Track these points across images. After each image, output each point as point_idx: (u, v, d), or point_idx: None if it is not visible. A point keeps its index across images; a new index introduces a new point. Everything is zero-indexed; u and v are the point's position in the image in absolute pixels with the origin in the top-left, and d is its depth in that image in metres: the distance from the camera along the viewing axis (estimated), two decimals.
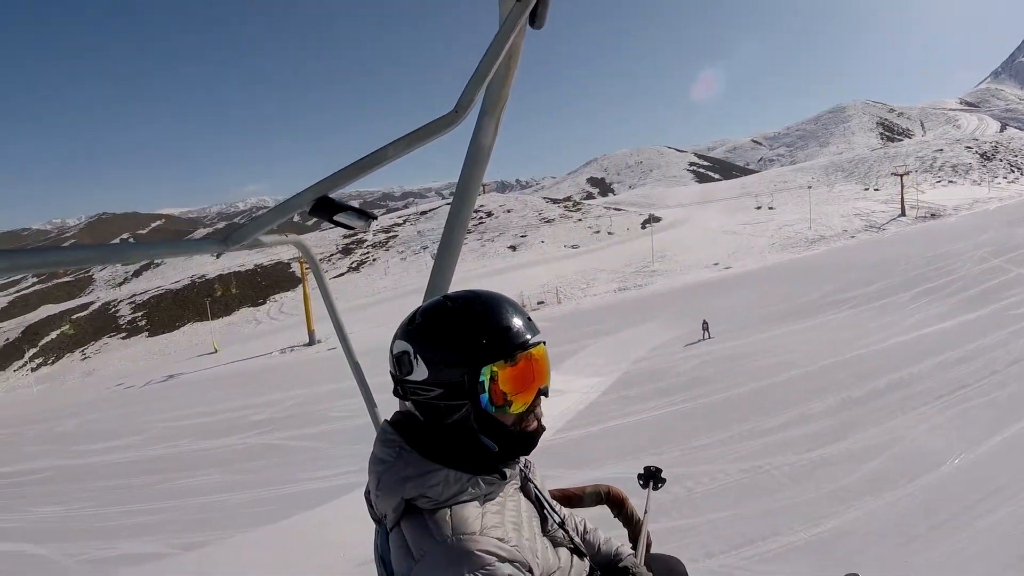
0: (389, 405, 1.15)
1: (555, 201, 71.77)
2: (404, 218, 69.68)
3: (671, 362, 14.71)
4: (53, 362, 46.37)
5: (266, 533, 7.77)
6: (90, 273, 72.48)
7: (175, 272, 64.39)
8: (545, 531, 1.05)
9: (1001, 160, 64.70)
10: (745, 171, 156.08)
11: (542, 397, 0.99)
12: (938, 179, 59.50)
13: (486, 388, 0.92)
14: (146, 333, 48.70)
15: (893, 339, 13.39)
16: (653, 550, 1.47)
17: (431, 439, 0.95)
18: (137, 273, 70.61)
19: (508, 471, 0.99)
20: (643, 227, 54.39)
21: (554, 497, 1.31)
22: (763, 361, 13.12)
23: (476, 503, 0.91)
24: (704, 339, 16.88)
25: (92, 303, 58.63)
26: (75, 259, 0.87)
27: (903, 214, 46.32)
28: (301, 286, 40.25)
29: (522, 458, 1.06)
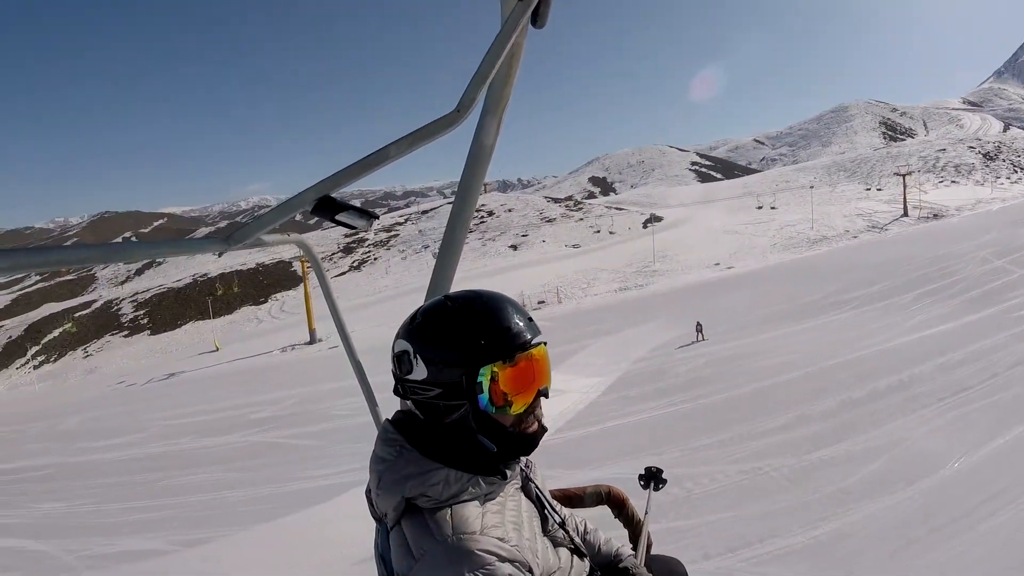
0: (390, 404, 1.15)
1: (556, 200, 71.72)
2: (405, 217, 69.70)
3: (671, 362, 14.69)
4: (55, 360, 46.49)
5: (266, 531, 7.78)
6: (92, 271, 72.62)
7: (177, 271, 64.50)
8: (546, 531, 1.05)
9: (1004, 160, 64.50)
10: (747, 171, 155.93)
11: (542, 398, 0.98)
12: (941, 179, 59.34)
13: (484, 389, 0.91)
14: (148, 331, 48.80)
15: (895, 340, 13.35)
16: (653, 551, 1.47)
17: (432, 438, 0.95)
18: (139, 272, 70.76)
19: (509, 471, 0.99)
20: (644, 227, 54.32)
21: (555, 497, 1.31)
22: (764, 361, 13.09)
23: (476, 503, 0.91)
24: (698, 341, 16.66)
25: (94, 301, 58.77)
26: (78, 258, 0.87)
27: (905, 214, 46.20)
28: (302, 285, 40.28)
29: (523, 458, 1.06)
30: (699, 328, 17.08)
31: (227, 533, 8.01)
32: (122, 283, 68.27)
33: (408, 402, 0.99)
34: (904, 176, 50.59)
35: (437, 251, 1.39)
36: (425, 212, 69.93)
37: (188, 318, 49.48)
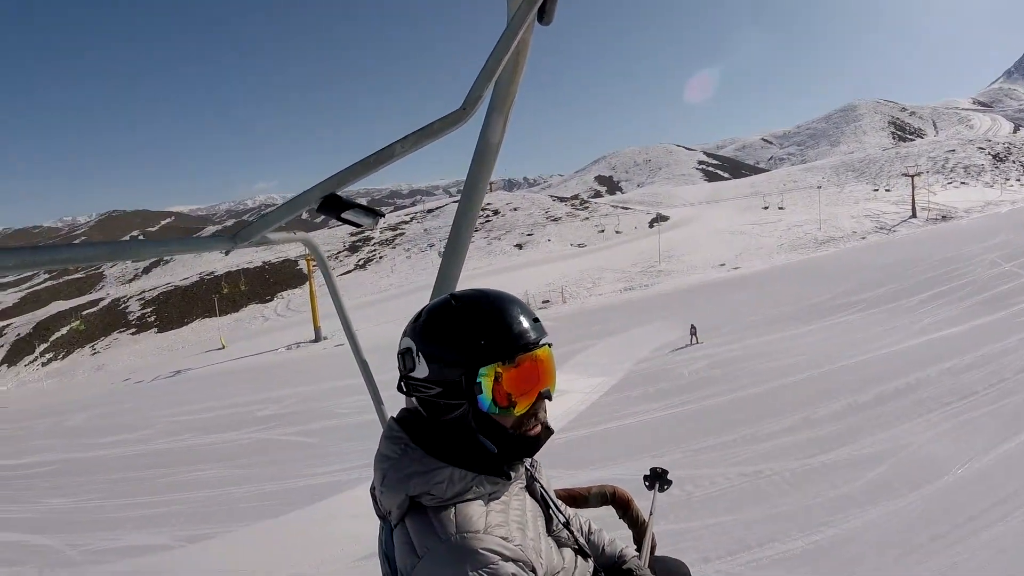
0: (396, 402, 1.15)
1: (562, 199, 71.67)
2: (411, 216, 69.81)
3: (675, 363, 14.63)
4: (63, 357, 46.93)
5: (270, 527, 7.83)
6: (100, 270, 73.22)
7: (184, 269, 64.89)
8: (550, 531, 1.05)
9: (1014, 162, 63.85)
10: (755, 170, 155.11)
11: (545, 400, 0.97)
12: (950, 180, 58.81)
13: (483, 389, 0.91)
14: (155, 329, 49.18)
15: (902, 343, 13.24)
16: (658, 552, 1.46)
17: (435, 437, 0.95)
18: (147, 270, 71.29)
19: (513, 471, 0.99)
20: (650, 226, 54.22)
21: (559, 497, 1.31)
22: (769, 363, 13.01)
23: (480, 502, 0.91)
24: (692, 344, 16.18)
25: (102, 299, 59.26)
26: (86, 256, 0.88)
27: (914, 216, 45.81)
28: (308, 283, 40.46)
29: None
30: (693, 331, 16.51)
31: (231, 529, 8.07)
32: (129, 281, 68.80)
33: (412, 399, 0.99)
34: (913, 177, 50.17)
35: (442, 249, 1.39)
36: (431, 211, 70.01)
37: (195, 316, 49.84)
